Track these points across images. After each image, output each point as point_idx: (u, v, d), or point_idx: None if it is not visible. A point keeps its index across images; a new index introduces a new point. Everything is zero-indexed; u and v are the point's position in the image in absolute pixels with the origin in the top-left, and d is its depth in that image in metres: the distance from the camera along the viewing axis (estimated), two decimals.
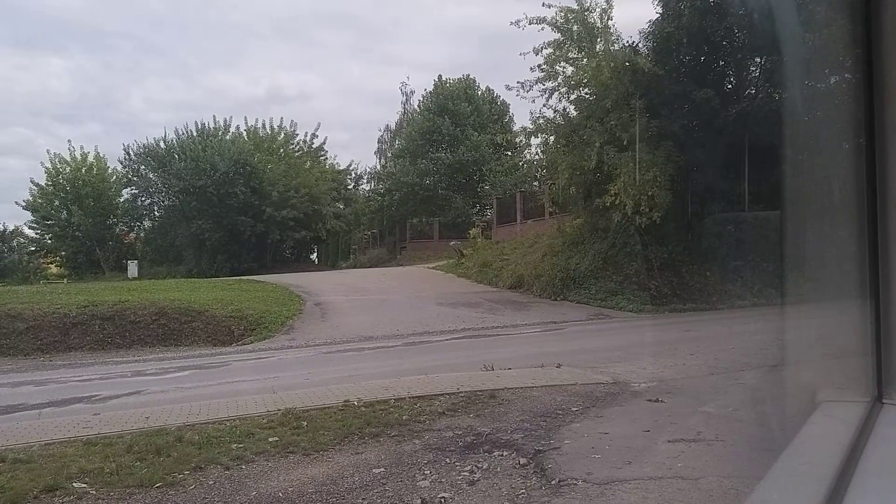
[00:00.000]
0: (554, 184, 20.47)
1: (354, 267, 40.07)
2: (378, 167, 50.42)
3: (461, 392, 7.43)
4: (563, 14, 17.88)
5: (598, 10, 17.90)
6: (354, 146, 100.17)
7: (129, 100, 72.93)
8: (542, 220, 25.89)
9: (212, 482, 4.86)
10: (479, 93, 43.36)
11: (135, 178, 43.83)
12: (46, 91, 70.40)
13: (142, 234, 46.49)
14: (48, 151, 44.87)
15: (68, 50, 73.89)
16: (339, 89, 78.99)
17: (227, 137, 43.06)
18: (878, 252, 2.14)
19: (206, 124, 43.25)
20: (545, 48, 18.07)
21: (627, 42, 18.11)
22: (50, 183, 43.82)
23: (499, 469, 4.93)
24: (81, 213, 42.57)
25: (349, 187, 47.60)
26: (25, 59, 71.37)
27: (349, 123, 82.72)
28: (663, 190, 16.36)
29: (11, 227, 45.45)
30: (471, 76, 43.57)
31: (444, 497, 4.41)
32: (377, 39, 79.87)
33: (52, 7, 66.22)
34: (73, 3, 70.27)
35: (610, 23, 17.95)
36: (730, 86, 18.51)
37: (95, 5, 71.97)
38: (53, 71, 73.19)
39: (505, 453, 5.28)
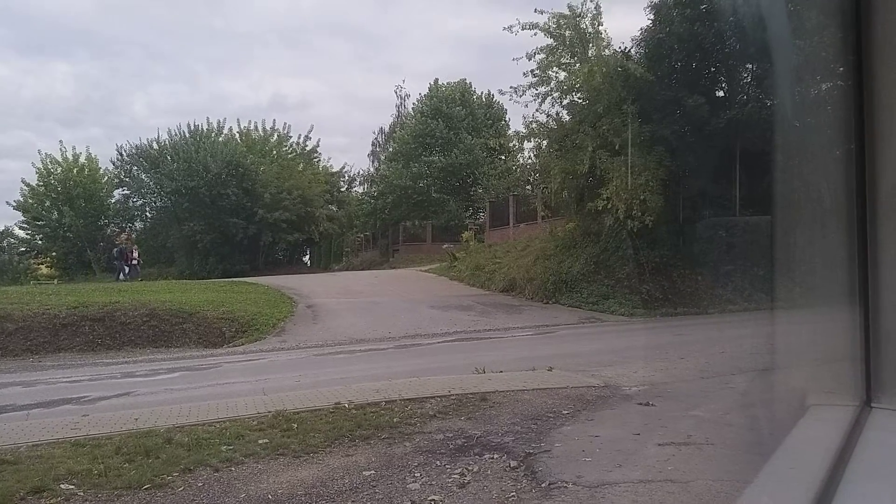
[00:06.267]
0: (546, 188, 20.54)
1: (347, 269, 39.98)
2: (371, 170, 50.47)
3: (452, 395, 7.42)
4: (555, 20, 17.98)
5: (589, 15, 18.02)
6: (354, 150, 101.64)
7: (132, 104, 73.50)
8: (534, 223, 25.95)
9: (201, 484, 4.83)
10: (475, 97, 43.39)
11: (127, 179, 43.63)
12: (51, 95, 70.78)
13: (133, 236, 46.26)
14: (39, 152, 44.70)
15: (75, 56, 74.64)
16: (341, 95, 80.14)
17: (220, 139, 42.93)
18: (868, 257, 2.16)
19: (200, 126, 43.16)
20: (538, 53, 18.17)
21: (619, 48, 18.24)
22: (41, 183, 43.55)
23: (489, 472, 4.93)
24: (72, 214, 42.32)
25: (342, 190, 47.54)
26: (33, 64, 72.01)
27: (349, 128, 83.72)
28: (655, 194, 16.42)
29: (2, 228, 45.22)
30: (467, 80, 43.65)
31: (434, 500, 4.41)
32: (378, 48, 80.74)
33: (63, 14, 66.70)
34: (84, 11, 70.65)
35: (601, 28, 18.08)
36: (721, 92, 18.62)
37: (105, 13, 72.25)
38: (59, 76, 73.60)
39: (495, 456, 5.28)
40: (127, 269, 28.65)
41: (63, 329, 14.55)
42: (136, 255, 30.61)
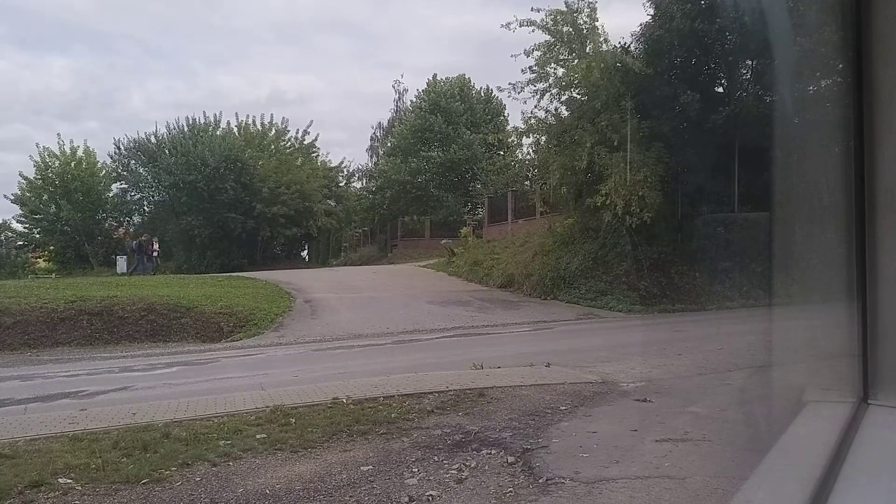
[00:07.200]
0: (545, 183, 20.53)
1: (345, 264, 39.91)
2: (370, 165, 50.41)
3: (450, 390, 7.43)
4: (552, 16, 17.96)
5: (586, 11, 18.00)
6: (352, 145, 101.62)
7: (129, 99, 73.73)
8: (533, 219, 25.92)
9: (198, 478, 4.84)
10: (474, 92, 43.27)
11: (124, 173, 43.52)
12: (49, 89, 70.96)
13: (131, 230, 46.19)
14: (37, 145, 44.57)
15: (73, 51, 74.93)
16: (339, 92, 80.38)
17: (218, 133, 42.84)
18: (866, 254, 2.16)
19: (197, 120, 43.08)
20: (535, 50, 18.16)
21: (618, 44, 18.23)
22: (39, 177, 43.49)
23: (487, 467, 4.94)
24: (70, 208, 42.25)
25: (341, 184, 47.49)
26: (32, 59, 72.29)
27: (348, 123, 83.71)
28: (654, 190, 16.43)
29: None
30: (466, 76, 43.51)
31: (431, 495, 4.41)
32: (377, 45, 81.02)
33: (61, 10, 66.68)
34: (82, 7, 70.71)
35: (598, 24, 18.07)
36: (721, 88, 18.62)
37: (103, 10, 72.28)
38: (56, 71, 73.88)
39: (493, 451, 5.29)
40: (146, 262, 28.63)
41: (61, 323, 14.54)
42: (156, 246, 30.56)
